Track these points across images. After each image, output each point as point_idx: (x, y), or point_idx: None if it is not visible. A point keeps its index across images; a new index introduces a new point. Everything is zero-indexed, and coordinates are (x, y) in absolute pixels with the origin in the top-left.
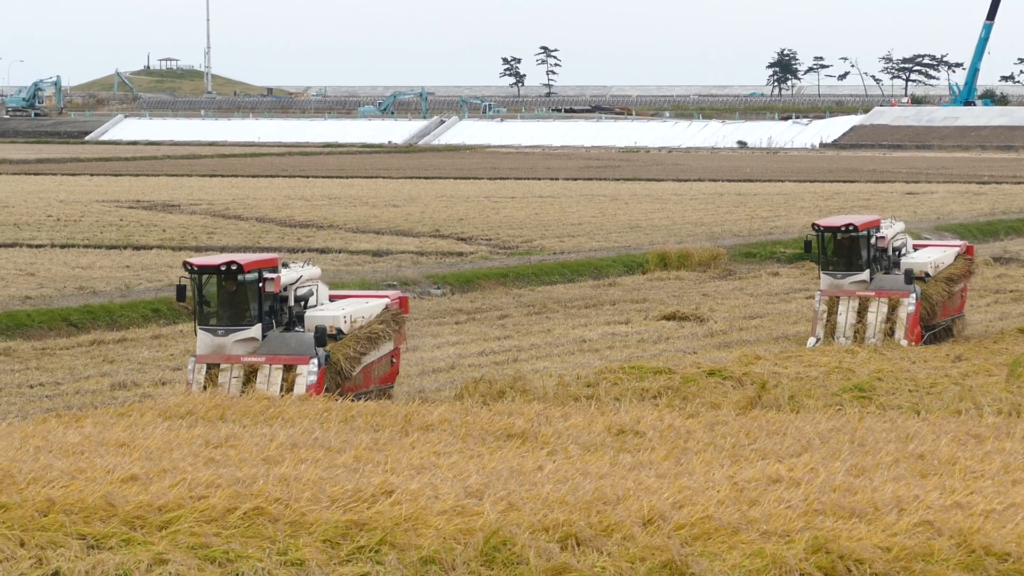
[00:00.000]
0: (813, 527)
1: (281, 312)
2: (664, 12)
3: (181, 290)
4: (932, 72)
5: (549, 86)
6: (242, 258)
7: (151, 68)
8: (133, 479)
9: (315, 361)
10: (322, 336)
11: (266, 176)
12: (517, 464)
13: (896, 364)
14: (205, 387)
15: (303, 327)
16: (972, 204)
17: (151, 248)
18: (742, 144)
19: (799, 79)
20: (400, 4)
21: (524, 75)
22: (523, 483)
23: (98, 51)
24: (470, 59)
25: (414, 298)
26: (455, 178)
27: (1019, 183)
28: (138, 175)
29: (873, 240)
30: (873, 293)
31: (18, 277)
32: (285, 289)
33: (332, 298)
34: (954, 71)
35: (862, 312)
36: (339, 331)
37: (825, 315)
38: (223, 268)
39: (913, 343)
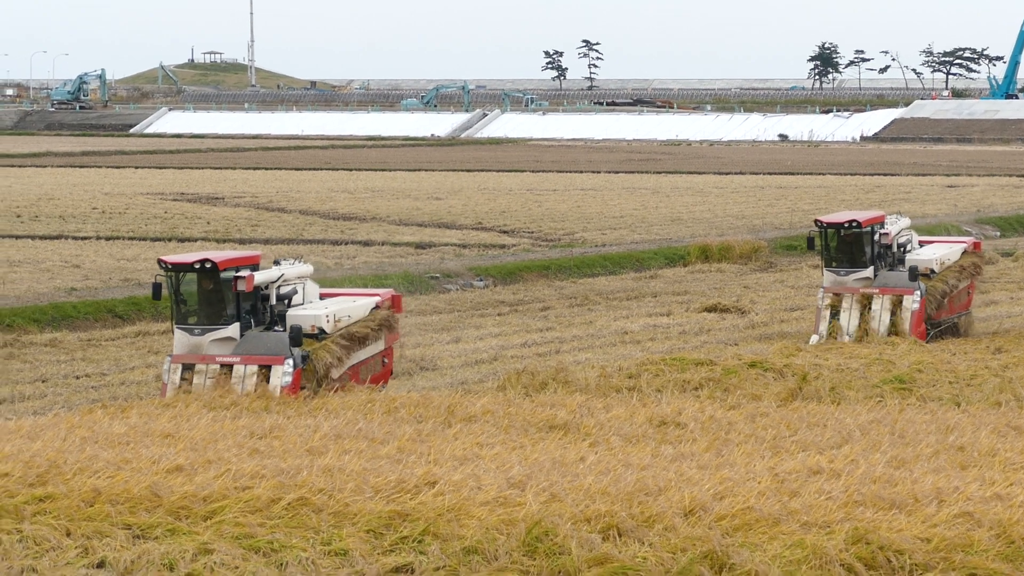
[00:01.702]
0: (853, 518)
1: (262, 311)
2: (705, 6)
3: (157, 288)
4: (972, 66)
5: (591, 79)
6: (217, 256)
7: (195, 61)
8: (178, 469)
9: (290, 361)
10: (298, 336)
11: (309, 169)
12: (559, 455)
13: (936, 356)
14: (182, 389)
15: (284, 326)
16: (1013, 197)
17: (195, 240)
18: (783, 137)
19: (840, 72)
20: None
21: (566, 68)
22: (565, 474)
23: (142, 44)
24: (512, 53)
25: (457, 290)
26: (497, 171)
27: None
28: (182, 168)
29: (877, 236)
30: (877, 290)
31: (64, 269)
32: (266, 288)
33: (323, 296)
34: (994, 64)
35: (866, 309)
36: (321, 331)
37: (828, 312)
38: (197, 266)
39: (918, 341)
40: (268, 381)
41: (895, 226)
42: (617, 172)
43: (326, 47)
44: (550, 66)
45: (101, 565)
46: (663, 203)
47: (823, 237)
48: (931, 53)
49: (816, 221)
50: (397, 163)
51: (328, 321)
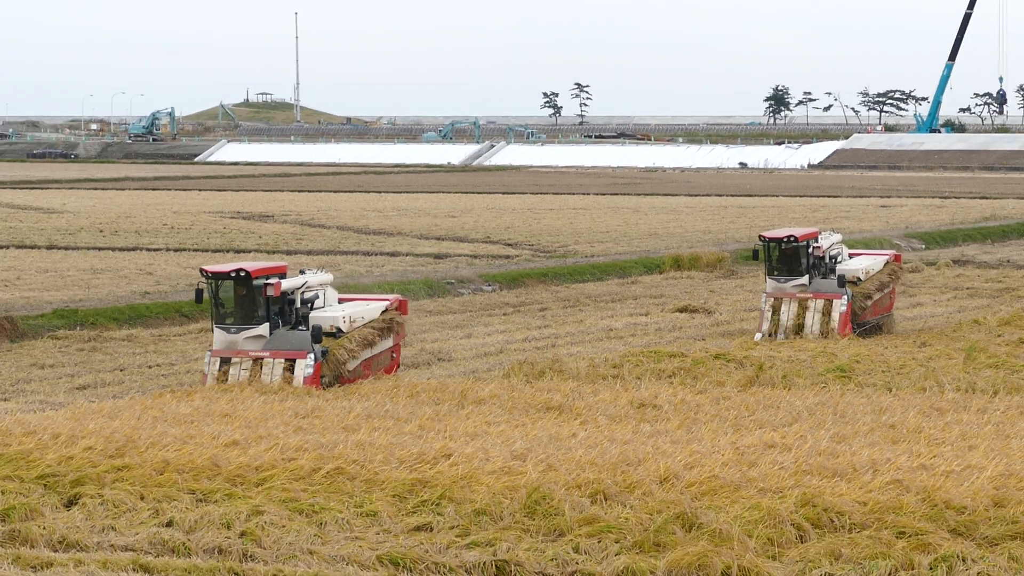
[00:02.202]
0: (802, 485)
1: (289, 313)
2: (679, 55)
3: (199, 293)
4: (902, 104)
5: (582, 116)
6: (250, 266)
7: (250, 101)
8: (235, 444)
9: (311, 356)
10: (318, 334)
11: (345, 191)
12: (555, 432)
13: (871, 349)
14: (219, 379)
15: (307, 326)
16: (935, 215)
17: (249, 251)
18: (743, 165)
19: (791, 110)
20: (458, 47)
21: (561, 107)
22: (560, 448)
23: (206, 86)
24: (516, 93)
25: (469, 293)
26: (503, 193)
27: (974, 198)
28: (238, 190)
29: (811, 249)
30: (811, 295)
31: (139, 276)
32: (292, 293)
33: (341, 301)
34: (920, 104)
35: (802, 311)
36: (338, 330)
37: (770, 313)
38: (233, 274)
39: (845, 338)
40: (293, 373)
41: (827, 240)
42: (603, 194)
43: (360, 88)
44: (547, 104)
45: (169, 524)
46: (642, 220)
47: (766, 250)
48: (867, 94)
49: (760, 236)
50: (419, 186)
51: (345, 322)
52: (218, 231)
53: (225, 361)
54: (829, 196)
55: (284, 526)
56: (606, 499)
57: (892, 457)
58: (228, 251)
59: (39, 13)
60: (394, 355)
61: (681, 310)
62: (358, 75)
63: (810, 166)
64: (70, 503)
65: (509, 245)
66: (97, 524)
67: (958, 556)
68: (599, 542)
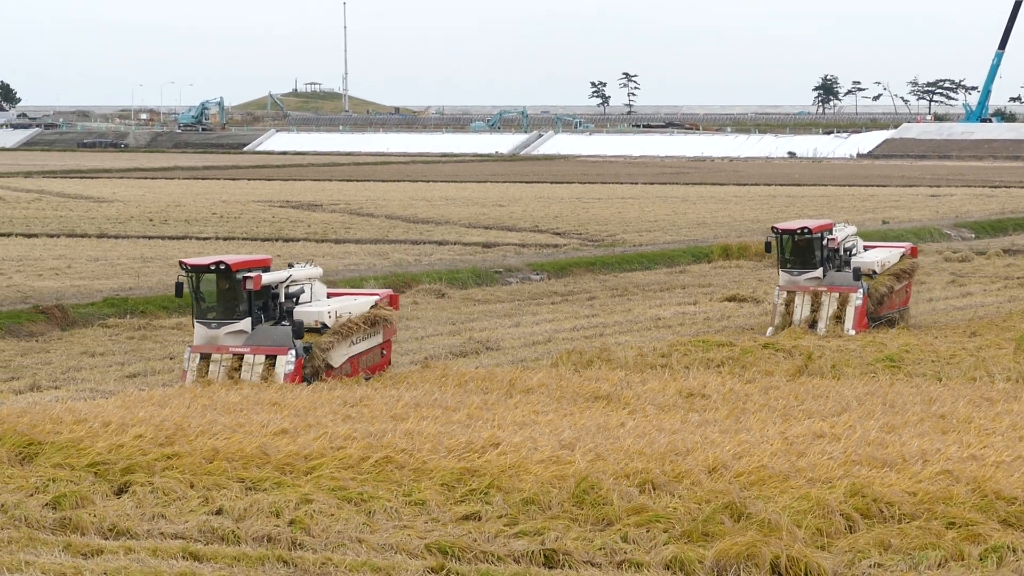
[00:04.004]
0: (851, 475)
1: (272, 308)
2: (727, 44)
3: (179, 287)
4: (952, 94)
5: (630, 106)
6: (230, 258)
7: (298, 91)
8: (284, 432)
9: (292, 352)
10: (300, 329)
11: (393, 181)
12: (603, 421)
13: (921, 339)
14: (199, 376)
15: (291, 321)
16: (985, 205)
17: (298, 240)
18: (792, 154)
19: (840, 100)
20: (506, 36)
21: (609, 96)
22: (608, 437)
23: (255, 76)
24: (564, 83)
25: (517, 282)
26: (551, 182)
27: None
28: (287, 180)
29: (825, 241)
30: (825, 288)
31: None
32: (275, 287)
33: (330, 296)
34: (970, 93)
35: (816, 305)
36: (324, 325)
37: (783, 308)
38: (212, 267)
39: (861, 332)
40: (274, 369)
41: (842, 233)
42: (652, 184)
43: (408, 78)
44: (595, 94)
45: (219, 512)
46: (690, 210)
47: (779, 242)
48: (917, 84)
49: (773, 228)
50: (467, 176)
51: (330, 317)
52: (267, 220)
53: (205, 357)
54: (878, 186)
55: (333, 514)
56: (654, 489)
57: (942, 447)
58: (277, 240)
59: (90, 4)
60: (384, 352)
61: (730, 299)
62: (406, 65)
63: (859, 155)
64: (120, 491)
65: (557, 234)
66: (147, 512)
67: (1008, 547)
68: (647, 532)
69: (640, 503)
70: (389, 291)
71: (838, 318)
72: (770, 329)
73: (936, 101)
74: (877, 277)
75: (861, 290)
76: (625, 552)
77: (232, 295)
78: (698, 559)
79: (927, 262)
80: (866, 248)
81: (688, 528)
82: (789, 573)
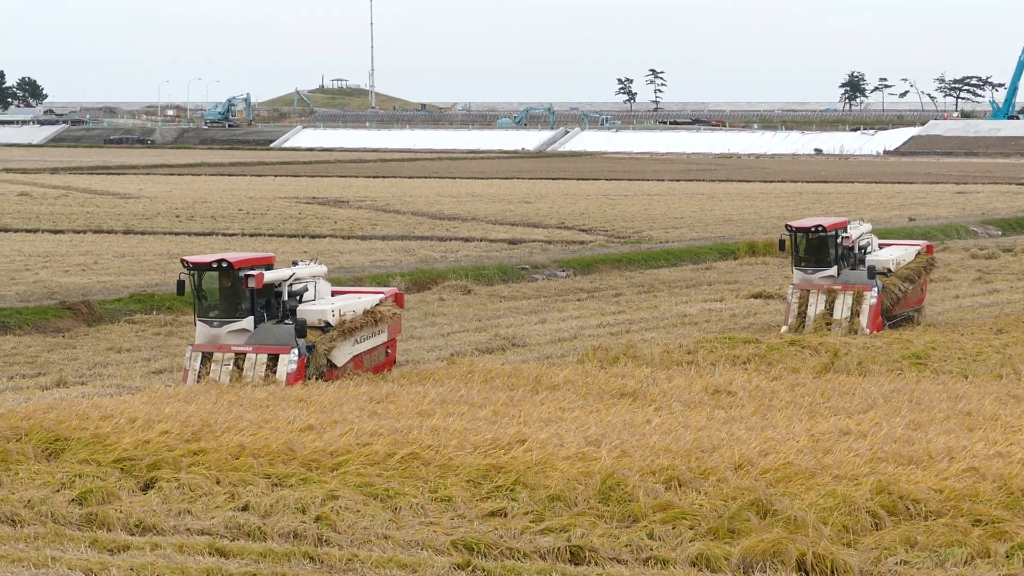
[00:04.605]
0: (877, 472)
1: (276, 306)
2: (754, 40)
3: (180, 285)
4: (978, 91)
5: (656, 102)
6: (233, 256)
7: (325, 87)
8: (310, 428)
9: (295, 351)
10: (302, 328)
11: (420, 177)
12: (629, 418)
13: (947, 336)
14: (199, 375)
15: (294, 320)
16: (1012, 202)
17: (324, 237)
18: (818, 151)
19: (866, 97)
20: (532, 33)
21: (635, 93)
22: (634, 434)
23: (281, 73)
24: (590, 79)
25: (543, 279)
26: (577, 179)
27: None
28: (313, 176)
29: (839, 240)
30: (840, 287)
31: None
32: (278, 285)
33: (335, 294)
34: (997, 90)
35: (830, 303)
36: (327, 324)
37: (797, 306)
38: (214, 265)
39: (875, 331)
40: (276, 369)
41: (856, 230)
42: (678, 180)
43: (434, 75)
44: (622, 91)
45: (245, 508)
46: (717, 206)
47: (793, 240)
48: (943, 80)
49: (787, 225)
50: (493, 173)
51: (334, 315)
52: (293, 216)
53: (207, 357)
54: (905, 183)
55: (359, 511)
56: (680, 485)
57: (968, 444)
58: (303, 236)
59: (116, 1)
60: (389, 351)
61: (756, 296)
62: (433, 61)
63: (886, 152)
64: (146, 487)
65: (583, 231)
66: (173, 508)
67: None
68: (673, 528)
69: (666, 500)
70: (394, 289)
71: (853, 316)
72: (784, 328)
73: (963, 98)
74: (892, 275)
75: (876, 288)
76: (651, 549)
77: (234, 293)
78: (724, 556)
79: (953, 259)
80: (881, 246)
81: (714, 525)
82: (815, 570)
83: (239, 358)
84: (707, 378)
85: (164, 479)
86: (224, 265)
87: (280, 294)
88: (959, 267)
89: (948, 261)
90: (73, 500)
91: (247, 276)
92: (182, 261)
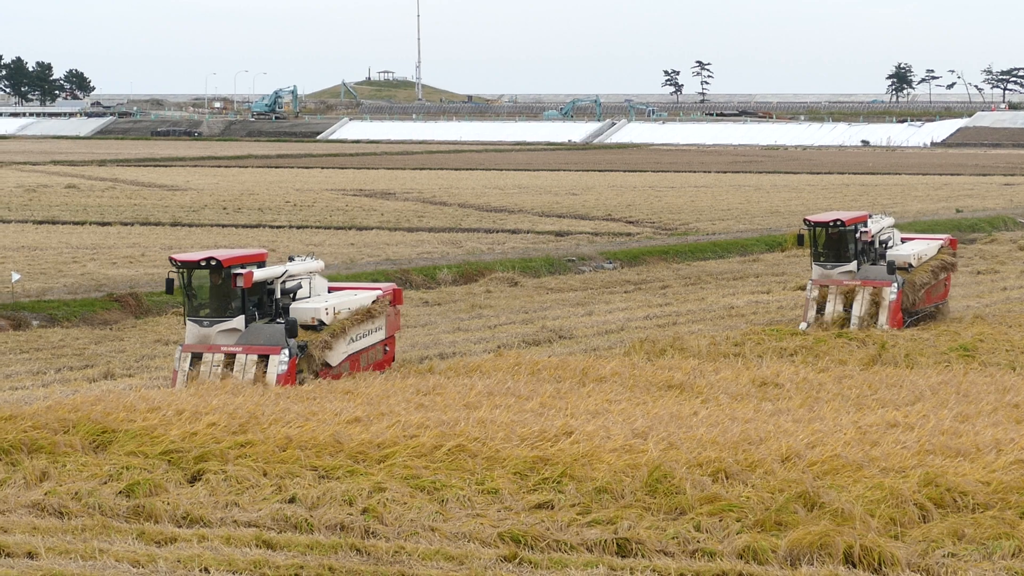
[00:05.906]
0: (925, 464)
1: (268, 304)
2: (800, 31)
3: (169, 283)
4: None
5: (703, 94)
6: (222, 254)
7: (371, 79)
8: (357, 421)
9: (286, 352)
10: (293, 327)
11: (466, 169)
12: (676, 410)
13: (995, 328)
14: (190, 377)
15: (285, 319)
16: None
17: (371, 229)
18: (865, 143)
19: (913, 88)
20: (579, 25)
21: (682, 85)
22: (681, 426)
23: (328, 65)
24: (637, 71)
25: (590, 271)
26: (624, 171)
27: None
28: (360, 168)
29: (859, 234)
30: (859, 282)
31: None
32: (270, 283)
33: (331, 290)
34: None
35: (849, 299)
36: (321, 322)
37: (816, 302)
38: (203, 263)
39: (895, 328)
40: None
41: (876, 225)
42: (725, 172)
43: (481, 67)
44: (668, 83)
45: (292, 500)
46: (764, 198)
47: (812, 234)
48: (991, 72)
49: (805, 220)
50: (540, 164)
51: (327, 313)
52: (340, 208)
53: (197, 357)
54: (952, 174)
55: (406, 503)
56: (727, 478)
57: (1016, 437)
58: (350, 228)
59: None
60: (387, 348)
61: (803, 288)
62: (479, 53)
63: (933, 144)
64: (194, 479)
65: (630, 223)
66: (220, 500)
67: None
68: (720, 521)
69: (713, 492)
70: (392, 285)
71: (872, 313)
72: (803, 324)
73: (1010, 89)
74: (913, 271)
75: (895, 284)
76: (698, 541)
77: (224, 292)
78: (771, 548)
79: (1001, 251)
80: (903, 240)
81: (761, 517)
82: (862, 563)
83: (229, 359)
84: (754, 370)
85: (211, 471)
86: (213, 263)
87: (272, 292)
88: (1007, 259)
89: (996, 253)
90: (120, 492)
91: (235, 275)
92: (170, 259)
